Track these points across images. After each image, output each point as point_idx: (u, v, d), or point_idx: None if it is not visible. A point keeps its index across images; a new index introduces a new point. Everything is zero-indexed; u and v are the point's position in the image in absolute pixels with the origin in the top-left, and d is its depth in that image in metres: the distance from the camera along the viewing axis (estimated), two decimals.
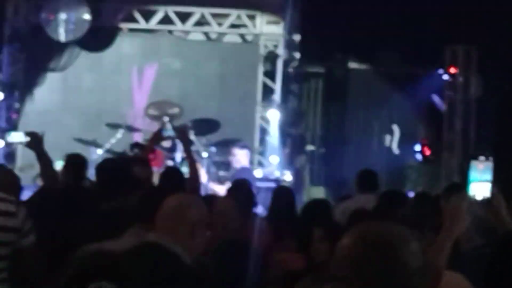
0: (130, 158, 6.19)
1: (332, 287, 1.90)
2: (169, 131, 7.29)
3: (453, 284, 3.37)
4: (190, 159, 6.21)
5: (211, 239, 4.80)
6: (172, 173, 6.64)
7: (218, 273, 3.48)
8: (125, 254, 3.08)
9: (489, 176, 3.39)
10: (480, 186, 3.41)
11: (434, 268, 3.03)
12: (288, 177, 12.32)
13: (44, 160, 5.51)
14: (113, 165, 5.40)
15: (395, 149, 14.37)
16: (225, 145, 11.34)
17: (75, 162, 6.11)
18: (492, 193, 3.49)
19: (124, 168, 5.26)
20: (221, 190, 9.88)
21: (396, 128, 14.37)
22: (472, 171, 3.34)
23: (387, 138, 14.43)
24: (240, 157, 10.51)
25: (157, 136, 6.75)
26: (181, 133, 6.56)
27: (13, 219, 4.12)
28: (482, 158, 3.29)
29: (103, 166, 5.30)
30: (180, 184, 6.33)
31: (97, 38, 13.05)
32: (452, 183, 8.29)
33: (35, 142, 5.51)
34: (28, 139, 5.54)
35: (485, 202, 3.50)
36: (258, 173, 12.08)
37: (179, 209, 3.36)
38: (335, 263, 1.91)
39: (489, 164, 3.35)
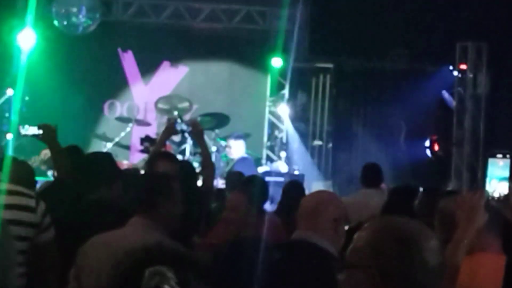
0: (157, 153, 6.01)
1: (349, 275, 1.96)
2: (182, 125, 7.27)
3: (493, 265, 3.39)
4: (205, 154, 6.18)
5: (225, 234, 4.80)
6: (184, 166, 6.61)
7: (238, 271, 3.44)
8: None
9: (507, 173, 3.40)
10: (498, 183, 3.42)
11: (451, 265, 3.04)
12: (296, 171, 12.31)
13: (57, 153, 5.51)
14: (93, 158, 5.29)
15: (404, 145, 14.34)
16: None
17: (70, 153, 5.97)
18: (510, 190, 3.48)
19: (104, 161, 5.11)
20: None
21: (404, 124, 14.34)
22: (490, 168, 3.35)
23: (396, 133, 14.41)
24: (236, 148, 10.53)
25: (170, 130, 6.72)
26: (195, 127, 6.53)
27: (32, 214, 4.11)
28: (499, 155, 3.29)
29: (85, 160, 5.22)
30: (192, 177, 6.33)
31: (107, 33, 13.06)
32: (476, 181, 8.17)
33: (49, 135, 5.51)
34: (41, 132, 5.54)
35: (503, 199, 3.50)
36: (266, 167, 12.09)
37: (321, 206, 3.46)
38: (355, 251, 1.97)
39: (507, 162, 3.36)
